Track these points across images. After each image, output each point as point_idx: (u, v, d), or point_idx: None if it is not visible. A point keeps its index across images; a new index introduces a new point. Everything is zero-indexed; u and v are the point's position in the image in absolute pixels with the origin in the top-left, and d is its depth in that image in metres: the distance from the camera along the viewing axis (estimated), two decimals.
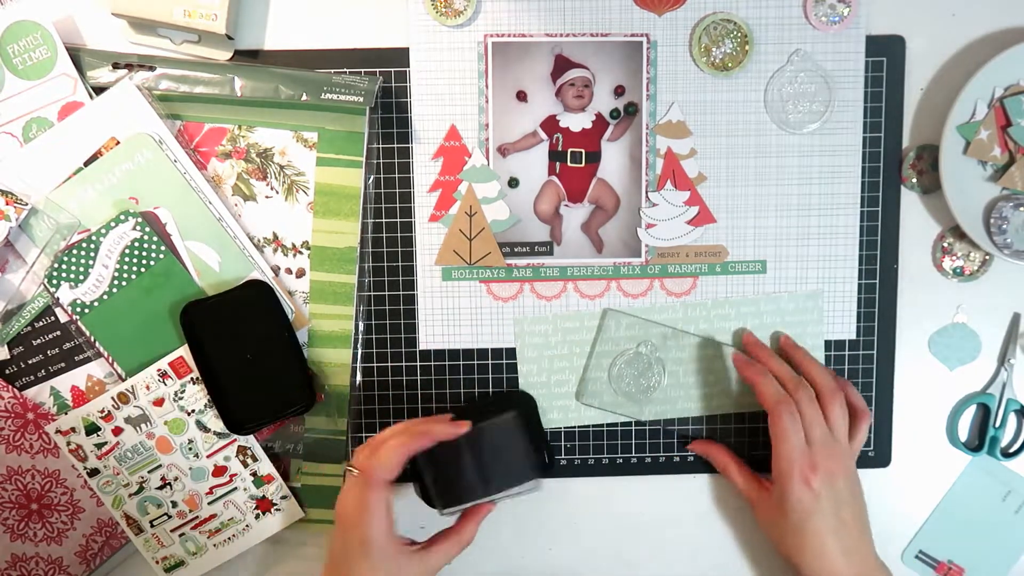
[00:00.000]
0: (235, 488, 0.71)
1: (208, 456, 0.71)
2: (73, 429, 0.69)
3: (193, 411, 0.70)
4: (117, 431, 0.70)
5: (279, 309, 0.69)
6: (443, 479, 0.67)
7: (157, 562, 0.72)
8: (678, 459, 0.75)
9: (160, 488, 0.71)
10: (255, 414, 0.69)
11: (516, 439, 0.68)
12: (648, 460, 0.75)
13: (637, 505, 0.76)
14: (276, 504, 0.72)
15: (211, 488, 0.71)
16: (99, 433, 0.69)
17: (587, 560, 0.76)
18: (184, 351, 0.69)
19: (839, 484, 0.66)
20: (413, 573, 0.64)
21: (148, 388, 0.69)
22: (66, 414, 0.69)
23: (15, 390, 0.70)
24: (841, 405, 0.68)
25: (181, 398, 0.69)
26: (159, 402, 0.69)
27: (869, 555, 0.67)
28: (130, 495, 0.71)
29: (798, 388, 0.68)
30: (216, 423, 0.70)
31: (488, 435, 0.67)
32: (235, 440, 0.70)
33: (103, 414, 0.69)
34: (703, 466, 0.75)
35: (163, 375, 0.69)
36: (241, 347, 0.68)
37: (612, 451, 0.75)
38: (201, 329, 0.68)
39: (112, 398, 0.69)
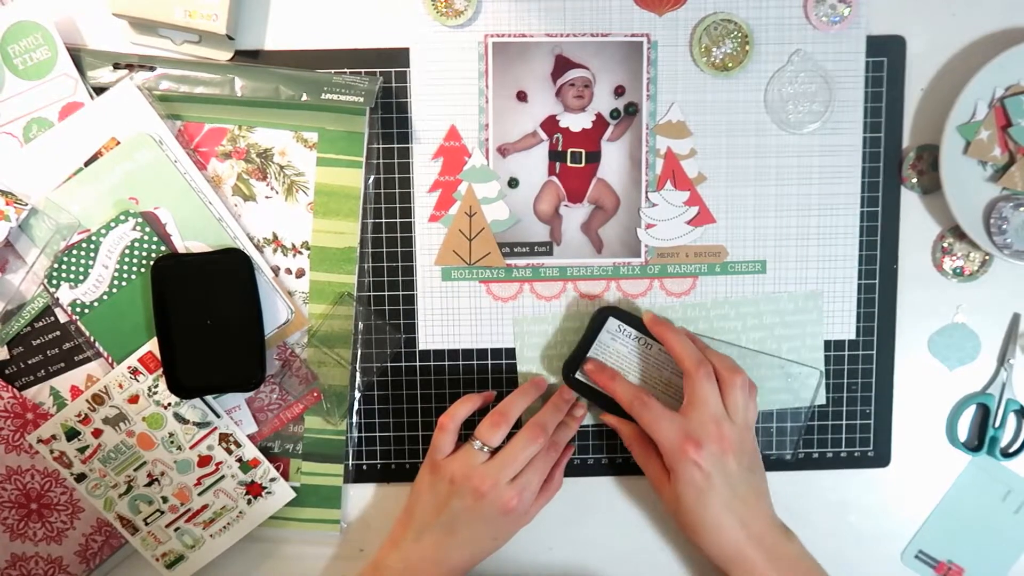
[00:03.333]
0: (223, 476, 0.71)
1: (191, 447, 0.70)
2: (54, 436, 0.69)
3: (169, 404, 0.70)
4: (97, 433, 0.69)
5: (252, 282, 0.68)
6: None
7: (157, 559, 0.72)
8: None
9: (148, 485, 0.71)
10: (200, 382, 0.69)
11: None
12: None
13: (637, 505, 0.76)
14: (266, 487, 0.72)
15: (199, 479, 0.71)
16: (80, 437, 0.69)
17: (587, 560, 0.76)
18: (152, 345, 0.69)
19: (729, 460, 0.65)
20: (518, 526, 0.68)
21: (121, 386, 0.69)
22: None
23: (15, 390, 0.70)
24: (743, 386, 0.67)
25: (155, 392, 0.69)
26: (134, 399, 0.69)
27: (767, 518, 0.67)
28: (120, 495, 0.71)
29: (632, 400, 0.67)
30: (193, 413, 0.70)
31: None
32: (215, 428, 0.70)
33: (80, 418, 0.69)
34: None
35: (134, 372, 0.69)
36: (203, 312, 0.68)
37: (612, 451, 0.75)
38: (168, 285, 0.67)
39: (87, 400, 0.69)
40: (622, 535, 0.76)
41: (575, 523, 0.76)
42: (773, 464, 0.75)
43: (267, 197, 0.70)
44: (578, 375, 0.71)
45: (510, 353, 0.74)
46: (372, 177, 0.72)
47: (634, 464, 0.74)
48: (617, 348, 0.71)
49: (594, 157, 0.72)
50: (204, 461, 0.71)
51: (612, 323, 0.71)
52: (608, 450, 0.75)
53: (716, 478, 0.64)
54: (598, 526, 0.76)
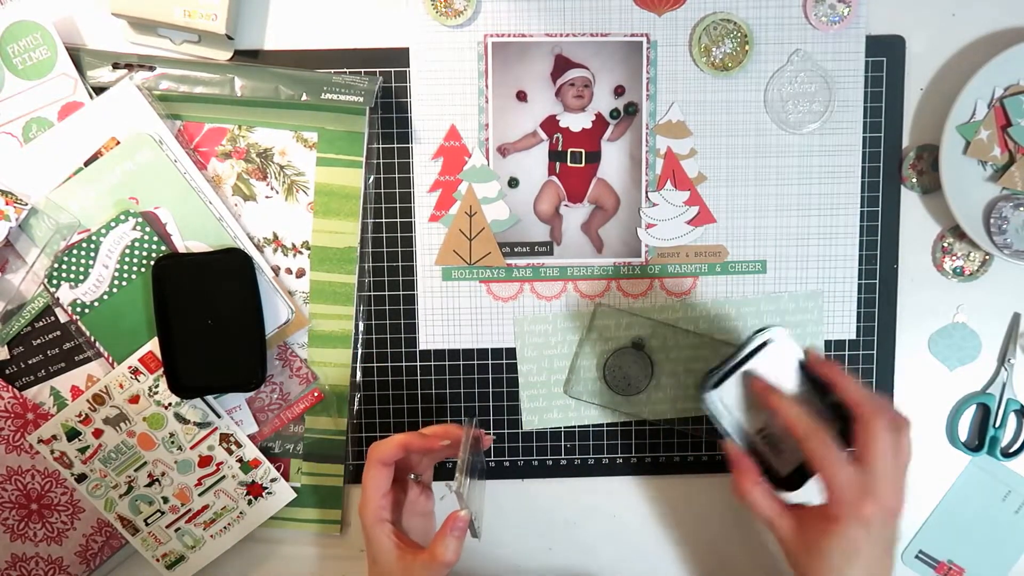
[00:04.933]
0: (223, 476, 0.71)
1: (192, 447, 0.70)
2: (54, 436, 0.69)
3: (170, 404, 0.70)
4: (97, 433, 0.69)
5: (253, 282, 0.68)
6: None
7: (157, 559, 0.72)
8: (678, 459, 0.75)
9: (149, 485, 0.71)
10: (201, 382, 0.69)
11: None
12: (648, 460, 0.75)
13: (637, 505, 0.76)
14: (267, 487, 0.72)
15: (199, 479, 0.71)
16: (80, 437, 0.69)
17: (587, 560, 0.76)
18: (153, 344, 0.69)
19: (891, 525, 0.59)
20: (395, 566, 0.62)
21: (122, 386, 0.69)
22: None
23: (15, 390, 0.70)
24: (908, 434, 0.60)
25: (156, 392, 0.69)
26: (135, 399, 0.69)
27: None
28: (120, 496, 0.71)
29: (809, 436, 0.60)
30: (194, 413, 0.70)
31: None
32: (216, 429, 0.70)
33: (81, 418, 0.69)
34: (702, 466, 0.75)
35: (135, 372, 0.69)
36: (204, 311, 0.68)
37: (612, 451, 0.75)
38: (168, 285, 0.67)
39: (88, 400, 0.69)
40: (621, 535, 0.76)
41: (575, 523, 0.76)
42: None
43: (267, 197, 0.70)
44: (719, 393, 0.63)
45: (510, 353, 0.74)
46: (372, 177, 0.72)
47: (634, 464, 0.74)
48: (771, 376, 0.63)
49: (594, 157, 0.72)
50: (205, 461, 0.71)
51: (773, 348, 0.63)
52: (608, 450, 0.75)
53: (875, 542, 0.58)
54: (598, 526, 0.76)
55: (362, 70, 0.70)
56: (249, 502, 0.72)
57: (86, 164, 0.68)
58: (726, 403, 0.64)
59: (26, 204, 0.66)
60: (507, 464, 0.75)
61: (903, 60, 0.72)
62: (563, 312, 0.73)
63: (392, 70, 0.71)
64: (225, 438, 0.71)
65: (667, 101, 0.71)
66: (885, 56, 0.72)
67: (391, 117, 0.71)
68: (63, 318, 0.69)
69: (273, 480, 0.72)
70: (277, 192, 0.70)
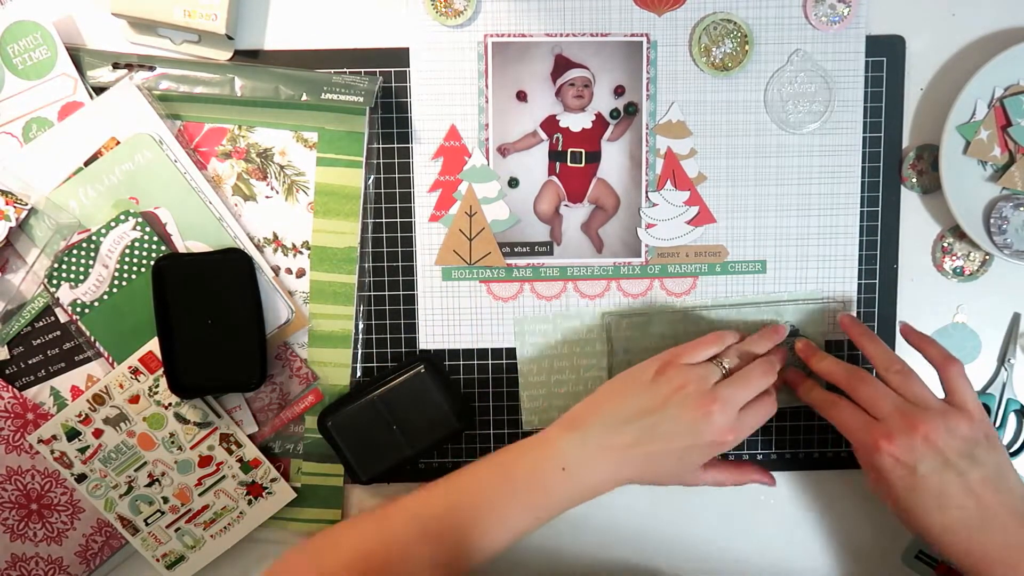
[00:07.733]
0: (223, 476, 0.71)
1: (192, 447, 0.71)
2: (54, 436, 0.69)
3: (170, 404, 0.70)
4: (97, 433, 0.69)
5: (253, 282, 0.68)
6: (364, 447, 0.71)
7: (157, 559, 0.72)
8: None
9: (149, 485, 0.71)
10: (201, 382, 0.69)
11: (428, 393, 0.71)
12: None
13: (639, 504, 0.76)
14: (267, 487, 0.72)
15: (199, 479, 0.71)
16: (80, 437, 0.69)
17: (587, 559, 0.76)
18: (153, 344, 0.69)
19: (940, 444, 0.60)
20: (702, 463, 0.65)
21: (122, 386, 0.69)
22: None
23: (15, 390, 0.70)
24: (902, 373, 0.64)
25: (156, 392, 0.69)
26: (135, 399, 0.69)
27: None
28: (120, 496, 0.71)
29: (848, 377, 0.65)
30: (194, 413, 0.70)
31: (398, 394, 0.71)
32: (216, 428, 0.70)
33: (81, 418, 0.69)
34: None
35: (135, 372, 0.69)
36: (204, 311, 0.68)
37: None
38: (168, 285, 0.67)
39: (87, 400, 0.69)
40: (622, 535, 0.76)
41: (575, 522, 0.75)
42: (774, 464, 0.75)
43: (267, 197, 0.70)
44: None
45: (510, 353, 0.74)
46: (372, 177, 0.72)
47: None
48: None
49: (594, 157, 0.72)
50: (205, 461, 0.71)
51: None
52: None
53: (923, 462, 0.61)
54: (599, 526, 0.76)
55: (362, 70, 0.70)
56: (249, 502, 0.72)
57: (86, 164, 0.68)
58: None
59: (26, 204, 0.66)
60: None
61: (903, 60, 0.72)
62: (563, 312, 0.73)
63: (392, 70, 0.71)
64: (225, 438, 0.71)
65: (667, 101, 0.71)
66: (885, 56, 0.72)
67: (391, 117, 0.71)
68: (63, 318, 0.69)
69: (273, 480, 0.72)
70: (277, 192, 0.70)
